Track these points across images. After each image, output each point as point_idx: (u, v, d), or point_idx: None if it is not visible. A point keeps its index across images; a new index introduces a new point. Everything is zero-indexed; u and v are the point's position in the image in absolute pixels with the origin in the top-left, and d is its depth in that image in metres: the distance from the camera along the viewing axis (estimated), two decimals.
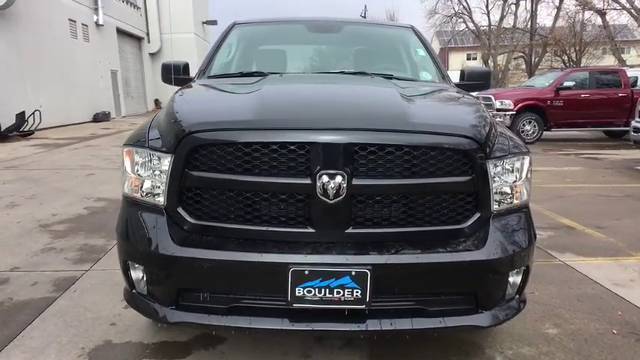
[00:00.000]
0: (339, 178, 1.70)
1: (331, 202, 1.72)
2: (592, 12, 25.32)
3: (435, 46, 52.32)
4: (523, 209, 2.05)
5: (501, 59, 35.54)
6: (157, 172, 1.88)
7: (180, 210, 1.83)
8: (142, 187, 1.93)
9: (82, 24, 18.68)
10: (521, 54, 34.36)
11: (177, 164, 1.80)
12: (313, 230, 1.78)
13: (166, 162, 1.83)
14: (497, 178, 1.92)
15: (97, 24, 19.72)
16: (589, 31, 30.42)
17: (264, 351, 2.30)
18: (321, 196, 1.71)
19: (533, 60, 32.89)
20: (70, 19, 17.75)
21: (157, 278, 1.85)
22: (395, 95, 2.12)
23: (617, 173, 7.51)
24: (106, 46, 20.80)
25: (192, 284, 1.81)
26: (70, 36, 17.76)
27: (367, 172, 1.75)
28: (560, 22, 31.20)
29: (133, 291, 1.98)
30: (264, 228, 1.79)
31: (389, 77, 2.76)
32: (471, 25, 36.17)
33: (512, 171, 1.99)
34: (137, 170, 1.94)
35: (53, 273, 3.31)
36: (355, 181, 1.72)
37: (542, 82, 12.84)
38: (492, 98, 12.07)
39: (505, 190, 1.96)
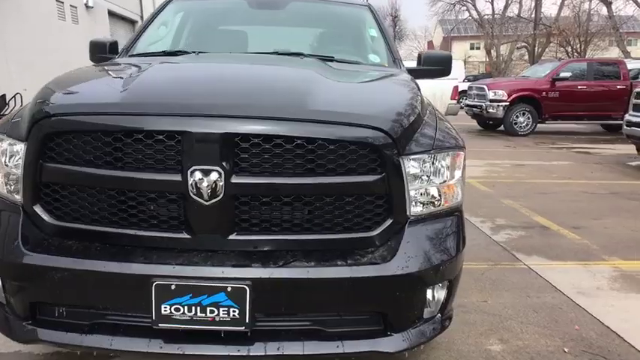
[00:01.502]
0: (214, 176, 1.41)
1: (207, 203, 1.43)
2: (598, 1, 24.74)
3: (438, 35, 51.62)
4: (453, 213, 1.77)
5: (504, 49, 34.94)
6: (14, 163, 1.60)
7: (37, 208, 1.56)
8: (3, 180, 1.65)
9: (71, 5, 18.24)
10: (525, 44, 33.77)
11: (31, 154, 1.52)
12: (189, 236, 1.50)
13: (20, 151, 1.55)
14: (417, 178, 1.63)
15: (87, 6, 19.26)
16: (595, 22, 29.81)
17: None
18: (194, 197, 1.43)
19: (536, 50, 32.31)
20: (57, 0, 17.34)
21: (9, 287, 1.58)
22: (310, 79, 1.82)
23: (606, 169, 7.19)
24: (96, 28, 20.38)
25: (47, 297, 1.54)
26: (57, 17, 17.33)
27: (251, 169, 1.46)
28: (566, 12, 30.58)
29: None
30: (132, 232, 1.52)
31: (329, 59, 2.45)
32: (474, 13, 35.55)
33: (439, 169, 1.70)
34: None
35: None
36: (236, 179, 1.44)
37: (539, 72, 12.45)
38: (486, 88, 11.70)
39: (429, 191, 1.68)
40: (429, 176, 1.67)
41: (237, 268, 1.45)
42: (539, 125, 11.59)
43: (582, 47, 30.01)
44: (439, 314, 1.72)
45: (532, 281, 3.05)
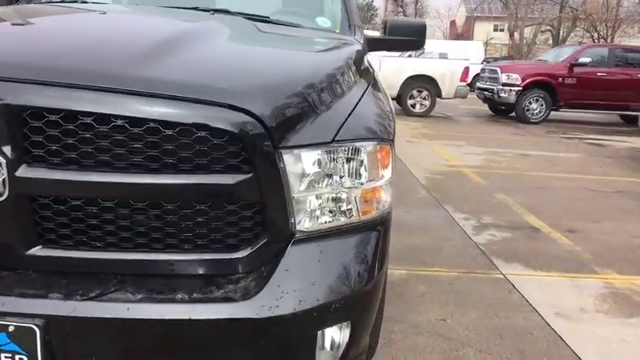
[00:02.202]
0: None
1: None
2: None
3: (461, 14, 49.89)
4: (375, 228, 1.33)
5: (528, 32, 33.58)
6: None
7: None
8: None
9: None
10: (549, 28, 32.39)
11: None
12: None
13: None
14: (309, 180, 1.19)
15: None
16: (625, 7, 28.33)
17: None
18: None
19: (561, 35, 30.97)
20: None
21: None
22: (188, 40, 1.37)
23: (617, 164, 6.61)
24: None
25: None
26: None
27: (50, 159, 1.03)
28: None
29: None
30: None
31: (261, 19, 1.99)
32: None
33: (350, 168, 1.25)
34: None
35: None
36: (25, 172, 1.01)
37: (558, 57, 11.68)
38: (498, 71, 11.02)
39: (331, 198, 1.24)
40: (331, 177, 1.23)
41: (27, 300, 1.03)
42: (552, 113, 10.91)
43: (609, 33, 28.61)
44: None
45: (505, 296, 2.61)
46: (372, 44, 2.38)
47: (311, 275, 1.16)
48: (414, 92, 10.55)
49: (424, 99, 10.60)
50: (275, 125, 1.10)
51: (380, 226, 1.36)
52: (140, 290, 1.08)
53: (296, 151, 1.14)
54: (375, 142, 1.31)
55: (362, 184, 1.29)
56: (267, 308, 1.08)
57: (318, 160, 1.19)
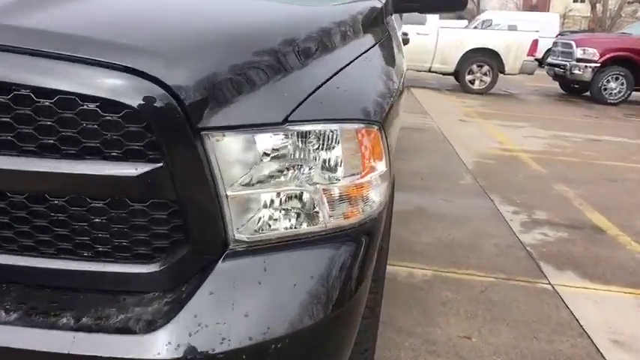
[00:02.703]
0: None
1: None
2: None
3: None
4: (349, 238, 0.97)
5: (613, 3, 30.50)
6: None
7: None
8: None
9: None
10: None
11: None
12: None
13: None
14: (251, 173, 0.86)
15: None
16: None
17: None
18: None
19: None
20: None
21: None
22: None
23: None
24: None
25: None
26: None
27: None
28: None
29: None
30: None
31: None
32: None
33: (315, 159, 0.91)
34: None
35: None
36: None
37: None
38: (573, 45, 9.90)
39: (284, 197, 0.90)
40: (287, 170, 0.89)
41: None
42: (634, 94, 9.71)
43: None
44: None
45: (551, 313, 2.17)
46: (399, 3, 1.96)
47: (245, 302, 0.83)
48: (474, 67, 9.73)
49: (485, 74, 9.76)
50: (194, 97, 0.77)
51: (364, 235, 1.01)
52: (20, 307, 0.82)
53: (228, 134, 0.81)
54: (356, 125, 0.95)
55: (338, 179, 0.94)
56: (173, 348, 0.78)
57: (268, 146, 0.86)
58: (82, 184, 0.79)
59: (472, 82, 9.82)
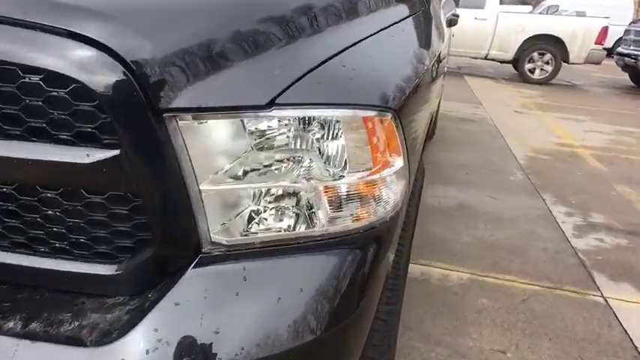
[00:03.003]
0: None
1: None
2: None
3: None
4: (353, 245, 0.84)
5: None
6: None
7: None
8: None
9: None
10: None
11: None
12: None
13: None
14: (232, 164, 0.74)
15: None
16: None
17: None
18: None
19: None
20: None
21: None
22: None
23: None
24: None
25: None
26: None
27: None
28: None
29: None
30: None
31: None
32: None
33: (311, 149, 0.78)
34: None
35: None
36: None
37: None
38: None
39: (274, 194, 0.78)
40: (278, 163, 0.77)
41: None
42: None
43: None
44: None
45: (601, 330, 1.93)
46: None
47: (217, 316, 0.72)
48: (535, 55, 9.11)
49: (546, 63, 9.12)
50: (155, 72, 0.65)
51: (373, 242, 0.87)
52: None
53: (199, 117, 0.69)
54: (364, 111, 0.80)
55: (341, 176, 0.80)
56: None
57: (251, 134, 0.73)
58: (27, 171, 0.69)
59: (532, 70, 9.22)
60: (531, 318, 1.97)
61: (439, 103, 3.97)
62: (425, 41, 1.24)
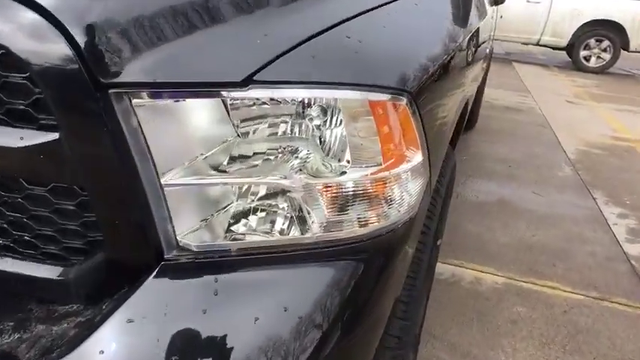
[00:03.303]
0: None
1: None
2: None
3: None
4: (354, 255, 0.69)
5: None
6: None
7: None
8: None
9: None
10: None
11: None
12: None
13: None
14: (204, 153, 0.60)
15: None
16: None
17: None
18: None
19: None
20: None
21: None
22: None
23: None
24: None
25: None
26: None
27: None
28: None
29: None
30: None
31: None
32: None
33: (304, 137, 0.64)
34: None
35: None
36: None
37: None
38: None
39: (255, 191, 0.65)
40: (261, 153, 0.63)
41: None
42: None
43: None
44: None
45: None
46: None
47: (178, 338, 0.60)
48: (592, 42, 8.49)
49: (604, 50, 8.48)
50: (98, 38, 0.52)
51: (380, 254, 0.73)
52: None
53: (158, 95, 0.56)
54: (371, 93, 0.65)
55: (343, 172, 0.67)
56: None
57: (223, 116, 0.60)
58: None
59: (587, 58, 8.61)
60: (573, 332, 1.77)
61: (481, 89, 3.71)
62: (458, 15, 1.05)
